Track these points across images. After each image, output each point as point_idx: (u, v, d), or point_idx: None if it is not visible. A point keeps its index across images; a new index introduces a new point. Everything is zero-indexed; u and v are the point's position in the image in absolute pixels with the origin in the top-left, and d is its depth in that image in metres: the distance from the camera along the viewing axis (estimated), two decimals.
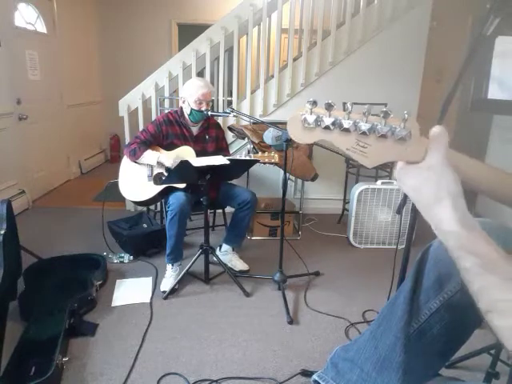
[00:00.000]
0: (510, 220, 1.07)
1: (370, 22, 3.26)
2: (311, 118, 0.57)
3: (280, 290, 2.21)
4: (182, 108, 2.39)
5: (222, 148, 2.53)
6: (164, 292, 2.18)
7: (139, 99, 3.30)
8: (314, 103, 0.57)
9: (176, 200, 2.15)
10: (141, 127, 3.29)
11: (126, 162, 2.40)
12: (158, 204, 3.07)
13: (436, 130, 0.59)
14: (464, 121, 4.26)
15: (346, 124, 0.57)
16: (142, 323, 1.93)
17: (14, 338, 1.68)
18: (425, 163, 0.59)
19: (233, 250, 2.53)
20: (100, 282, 2.19)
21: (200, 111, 2.31)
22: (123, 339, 1.81)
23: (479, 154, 3.68)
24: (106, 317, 1.97)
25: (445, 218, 0.57)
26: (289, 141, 2.02)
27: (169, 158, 2.26)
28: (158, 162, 2.28)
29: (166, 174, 2.33)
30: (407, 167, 0.61)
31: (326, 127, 0.57)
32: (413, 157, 0.60)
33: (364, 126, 0.57)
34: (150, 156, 2.29)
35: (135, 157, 2.30)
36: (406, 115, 0.57)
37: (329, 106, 0.57)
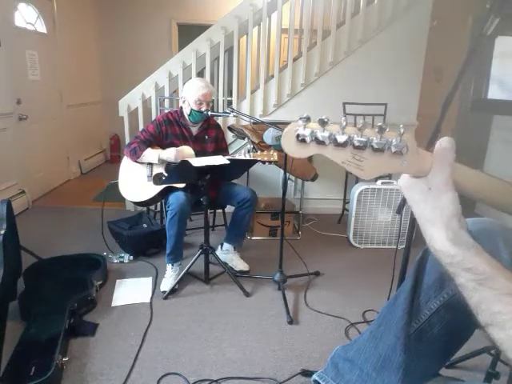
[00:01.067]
0: (510, 220, 1.07)
1: (370, 22, 3.26)
2: (305, 133, 0.56)
3: (280, 290, 2.21)
4: (181, 108, 2.39)
5: (221, 149, 2.53)
6: (164, 292, 2.18)
7: (139, 99, 3.30)
8: (308, 119, 0.56)
9: (176, 200, 2.15)
10: (141, 127, 3.29)
11: (125, 162, 2.40)
12: (158, 204, 3.07)
13: (442, 144, 0.57)
14: (464, 121, 4.27)
15: (341, 139, 0.56)
16: (142, 323, 1.93)
17: (14, 338, 1.68)
18: (427, 181, 0.58)
19: (234, 249, 2.53)
20: (100, 282, 2.19)
21: (200, 111, 2.31)
22: (123, 339, 1.81)
23: (479, 154, 3.68)
24: (105, 317, 1.97)
25: (436, 236, 0.57)
26: None
27: (170, 153, 2.26)
28: (159, 159, 2.28)
29: (165, 174, 2.33)
30: (410, 179, 0.60)
31: (321, 142, 0.57)
32: (409, 170, 0.59)
33: (359, 141, 0.56)
34: (151, 154, 2.29)
35: (136, 156, 2.30)
36: (402, 129, 0.56)
37: (322, 122, 0.56)
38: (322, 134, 0.56)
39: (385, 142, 0.56)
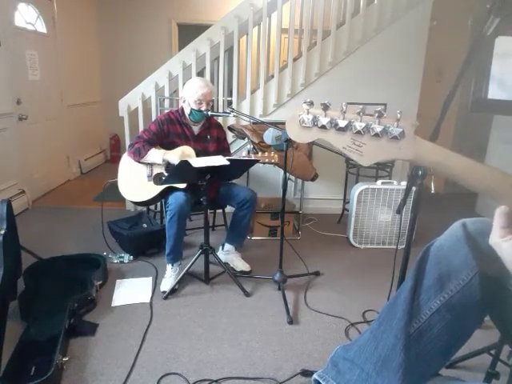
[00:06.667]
0: None
1: (370, 22, 3.26)
2: (308, 118, 0.59)
3: (280, 290, 2.21)
4: (182, 108, 2.39)
5: (224, 149, 2.52)
6: (164, 292, 2.18)
7: (139, 99, 3.30)
8: (311, 103, 0.59)
9: (175, 200, 2.15)
10: (141, 127, 3.30)
11: (124, 161, 2.39)
12: (158, 204, 3.07)
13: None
14: (464, 121, 4.27)
15: (342, 123, 0.59)
16: (142, 323, 1.93)
17: (14, 337, 1.68)
18: None
19: (235, 249, 2.52)
20: (100, 282, 2.18)
21: (200, 111, 2.30)
22: (123, 339, 1.81)
23: (479, 154, 3.68)
24: (105, 317, 1.97)
25: None
26: (289, 141, 2.02)
27: (175, 155, 2.24)
28: (163, 160, 2.27)
29: (166, 174, 2.33)
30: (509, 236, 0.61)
31: (323, 127, 0.59)
32: (406, 156, 0.61)
33: (358, 126, 0.59)
34: (155, 154, 2.27)
35: (140, 156, 2.28)
36: (399, 115, 0.58)
37: (325, 107, 0.59)
38: (323, 119, 0.59)
39: (383, 127, 0.59)
